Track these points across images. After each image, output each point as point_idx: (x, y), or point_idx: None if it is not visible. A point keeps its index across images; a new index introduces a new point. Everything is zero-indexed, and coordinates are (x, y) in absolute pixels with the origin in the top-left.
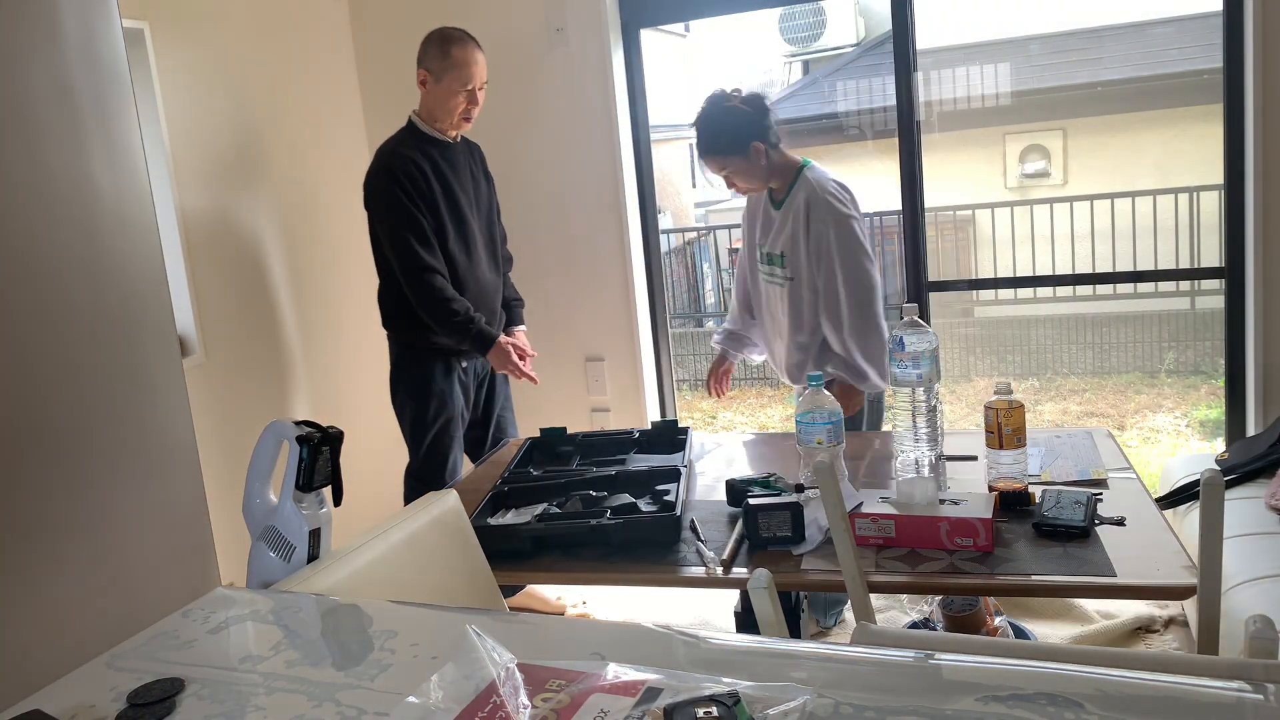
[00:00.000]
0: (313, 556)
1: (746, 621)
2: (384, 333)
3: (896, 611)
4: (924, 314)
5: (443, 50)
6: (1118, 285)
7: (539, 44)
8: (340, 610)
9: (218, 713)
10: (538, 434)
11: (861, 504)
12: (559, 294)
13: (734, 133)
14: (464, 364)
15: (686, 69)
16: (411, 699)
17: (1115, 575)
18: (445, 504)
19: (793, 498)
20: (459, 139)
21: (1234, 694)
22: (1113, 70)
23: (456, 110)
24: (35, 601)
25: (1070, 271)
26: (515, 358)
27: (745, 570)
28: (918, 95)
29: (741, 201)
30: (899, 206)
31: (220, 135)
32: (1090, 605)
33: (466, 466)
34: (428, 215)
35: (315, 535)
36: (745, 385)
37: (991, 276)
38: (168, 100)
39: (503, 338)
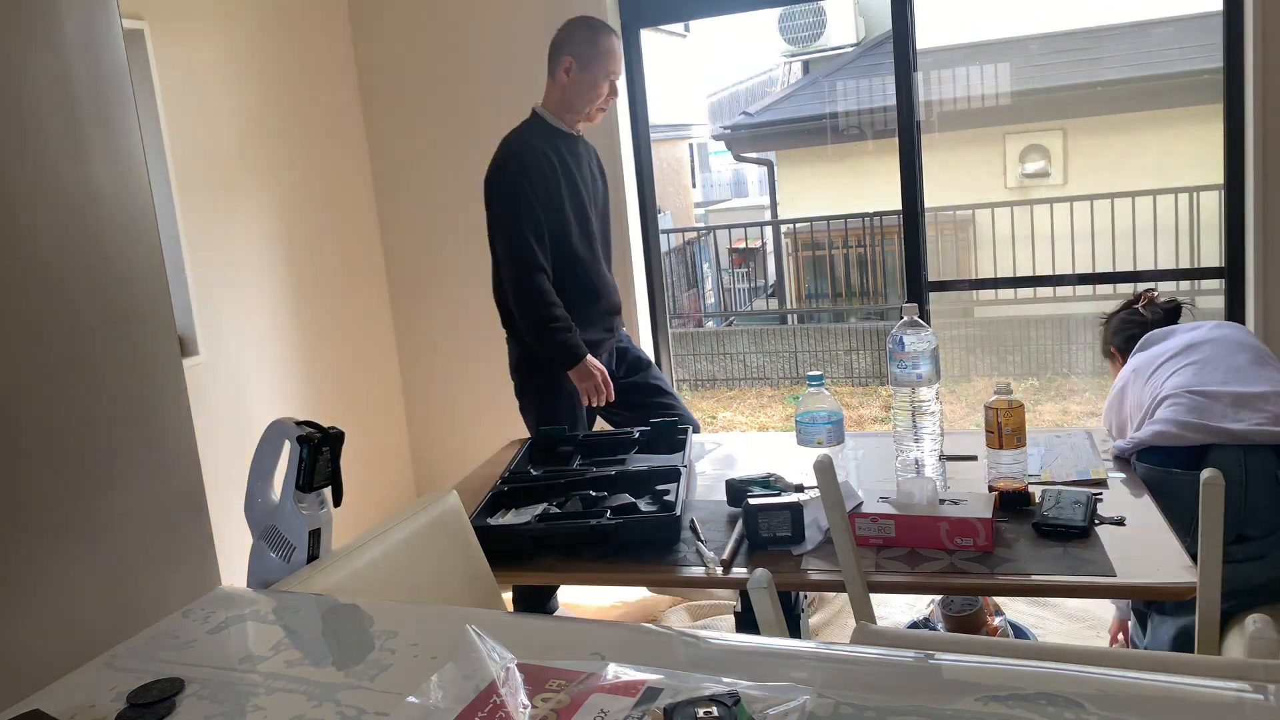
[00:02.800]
0: (313, 556)
1: (746, 621)
2: (384, 333)
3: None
4: (924, 314)
5: (592, 38)
6: (1118, 285)
7: (539, 44)
8: (340, 610)
9: (218, 713)
10: (538, 434)
11: (861, 504)
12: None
13: None
14: None
15: (686, 69)
16: (411, 699)
17: (1115, 575)
18: (445, 504)
19: (793, 498)
20: (580, 134)
21: (1234, 694)
22: (1113, 70)
23: (598, 99)
24: (35, 601)
25: (1070, 271)
26: (599, 383)
27: (745, 570)
28: (918, 95)
29: (746, 201)
30: (899, 206)
31: (220, 135)
32: (1091, 605)
33: None
34: (551, 213)
35: (315, 535)
36: (745, 385)
37: (991, 276)
38: (168, 100)
39: (592, 361)
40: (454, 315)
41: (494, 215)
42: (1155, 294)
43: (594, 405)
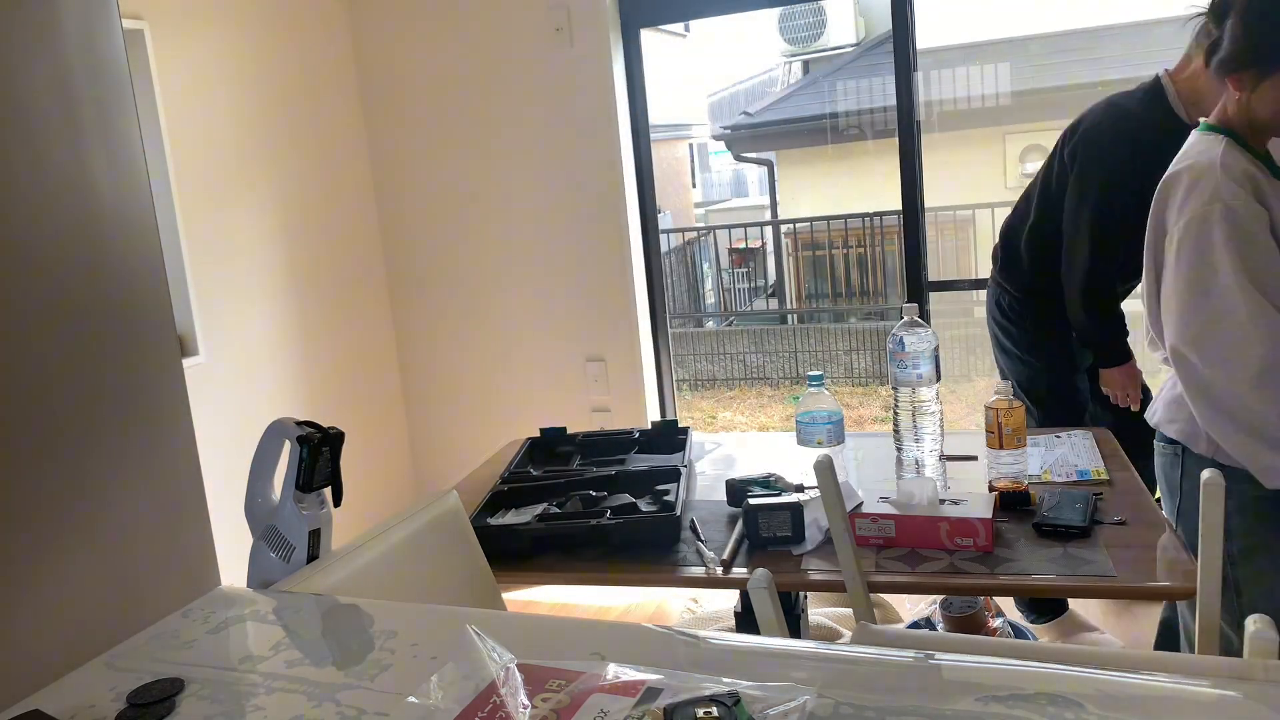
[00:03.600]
0: (312, 556)
1: (746, 621)
2: (384, 333)
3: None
4: (924, 314)
5: None
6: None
7: (539, 44)
8: (340, 610)
9: (218, 713)
10: (538, 434)
11: (861, 504)
12: (559, 294)
13: None
14: None
15: (686, 69)
16: (411, 699)
17: (1115, 575)
18: (445, 504)
19: (793, 498)
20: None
21: (1234, 694)
22: (1113, 70)
23: None
24: (35, 601)
25: None
26: (1132, 388)
27: (745, 570)
28: (918, 95)
29: (746, 201)
30: (899, 206)
31: (220, 135)
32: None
33: None
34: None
35: (315, 535)
36: (745, 385)
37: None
38: (168, 100)
39: (1133, 364)
40: (454, 315)
41: (1091, 181)
42: None
43: (1117, 405)
